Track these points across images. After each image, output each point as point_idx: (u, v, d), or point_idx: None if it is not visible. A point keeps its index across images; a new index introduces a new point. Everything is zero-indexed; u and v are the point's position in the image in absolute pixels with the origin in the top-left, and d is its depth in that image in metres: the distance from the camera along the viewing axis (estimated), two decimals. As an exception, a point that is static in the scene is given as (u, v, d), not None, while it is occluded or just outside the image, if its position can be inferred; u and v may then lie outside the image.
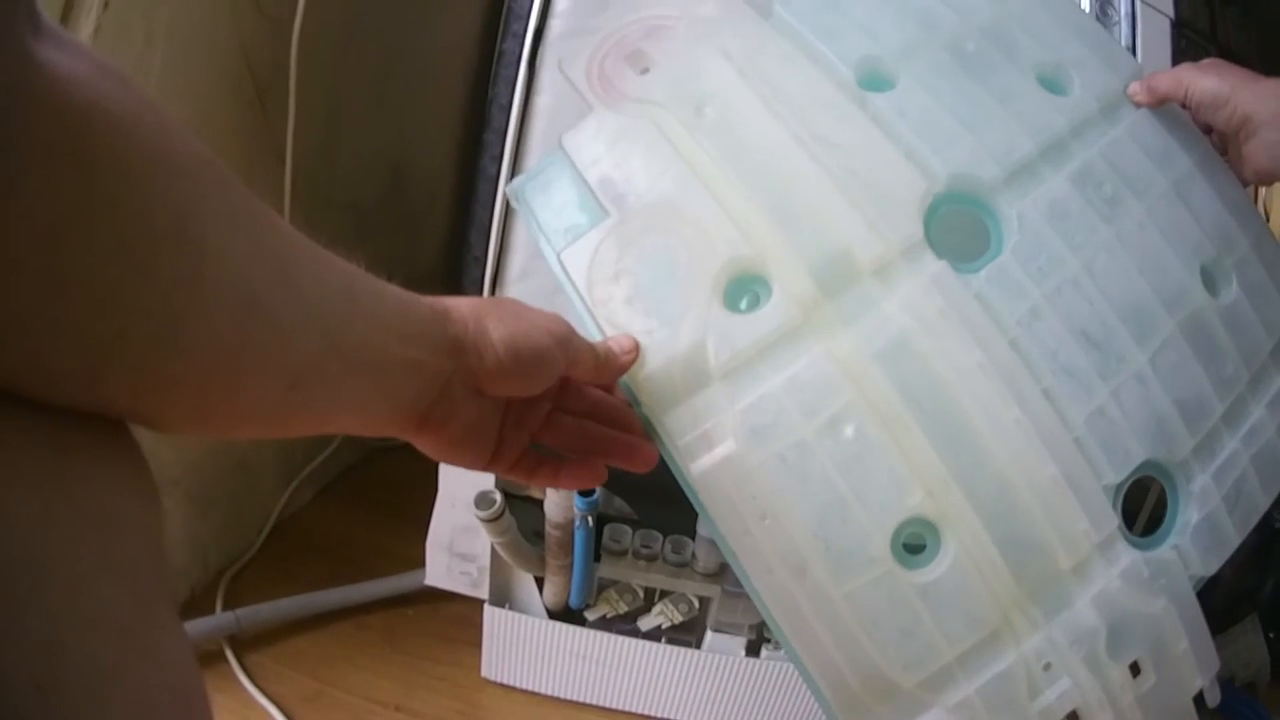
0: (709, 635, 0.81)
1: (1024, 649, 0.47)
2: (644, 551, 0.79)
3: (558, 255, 0.51)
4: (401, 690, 0.85)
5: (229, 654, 0.85)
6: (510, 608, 0.83)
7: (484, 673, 0.86)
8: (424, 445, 0.41)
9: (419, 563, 0.83)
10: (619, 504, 0.78)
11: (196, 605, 0.89)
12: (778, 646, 0.81)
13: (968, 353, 0.47)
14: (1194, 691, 0.50)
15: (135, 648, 0.26)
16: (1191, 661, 0.50)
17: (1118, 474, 0.49)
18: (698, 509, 0.49)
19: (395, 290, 0.36)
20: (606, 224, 0.51)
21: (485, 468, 0.44)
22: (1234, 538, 0.51)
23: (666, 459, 0.49)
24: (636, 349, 0.48)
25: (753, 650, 0.82)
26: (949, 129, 0.52)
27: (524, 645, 0.83)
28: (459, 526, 0.79)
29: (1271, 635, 1.01)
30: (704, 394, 0.48)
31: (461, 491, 0.77)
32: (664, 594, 0.81)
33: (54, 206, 0.22)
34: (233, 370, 0.29)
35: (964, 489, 0.46)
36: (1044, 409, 0.48)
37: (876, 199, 0.49)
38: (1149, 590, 0.48)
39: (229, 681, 0.83)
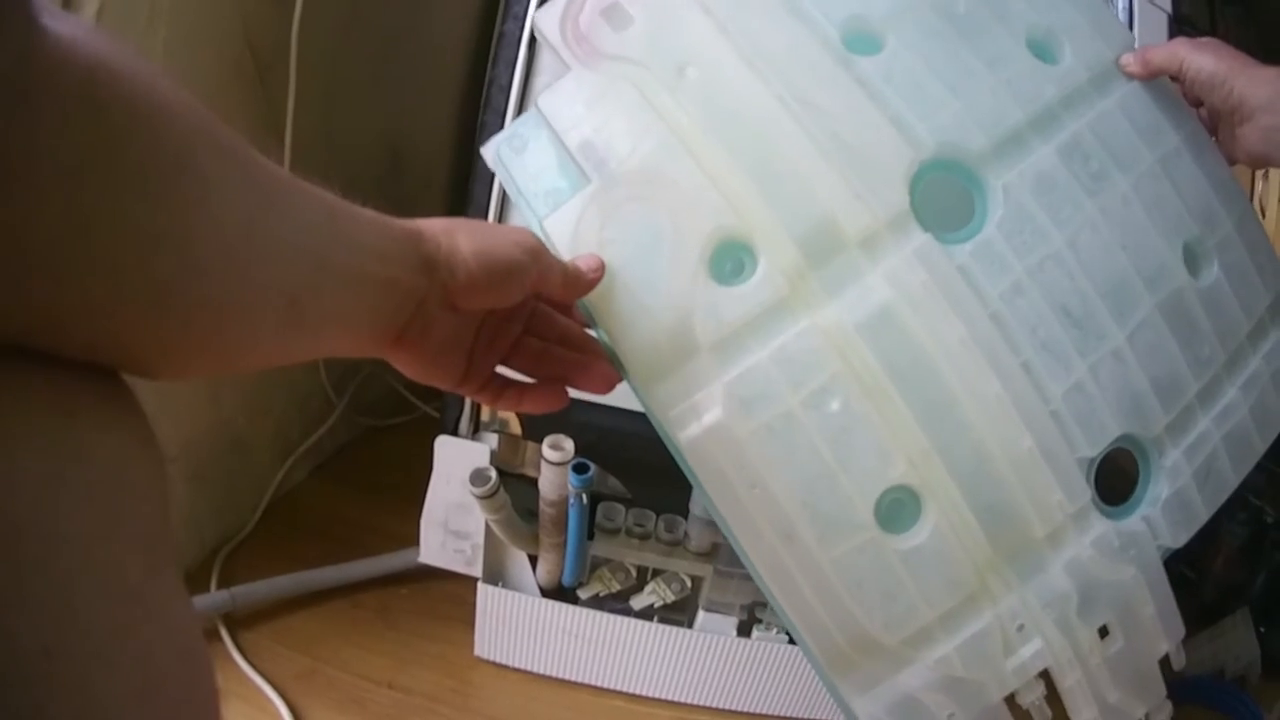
0: (701, 615, 0.82)
1: (999, 610, 0.48)
2: (637, 530, 0.80)
3: (540, 222, 0.51)
4: (395, 668, 0.86)
5: (223, 632, 0.86)
6: (504, 585, 0.83)
7: (477, 651, 0.86)
8: (400, 362, 0.42)
9: (413, 541, 0.84)
10: (613, 482, 0.79)
11: (191, 583, 0.90)
12: (769, 627, 0.82)
13: (950, 326, 0.48)
14: (1159, 655, 0.52)
15: (142, 611, 0.26)
16: (1158, 627, 0.52)
17: (1093, 448, 0.50)
18: (688, 476, 0.49)
19: (370, 213, 0.38)
20: (588, 190, 0.50)
21: (455, 387, 0.45)
22: (1203, 513, 0.53)
23: (656, 428, 0.50)
24: (602, 267, 0.48)
25: (744, 630, 0.82)
26: (937, 95, 0.51)
27: (517, 623, 0.84)
28: (453, 504, 0.80)
29: (1262, 629, 1.01)
30: (692, 364, 0.48)
31: (456, 469, 0.77)
32: (656, 573, 0.82)
33: (74, 147, 0.24)
34: (243, 288, 0.30)
35: (944, 459, 0.47)
36: (1023, 382, 0.49)
37: (862, 167, 0.49)
38: (1119, 559, 0.50)
39: (223, 659, 0.83)
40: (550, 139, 0.52)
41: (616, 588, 0.82)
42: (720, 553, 0.78)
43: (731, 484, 0.48)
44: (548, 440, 0.72)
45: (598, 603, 0.82)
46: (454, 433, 0.79)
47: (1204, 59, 0.55)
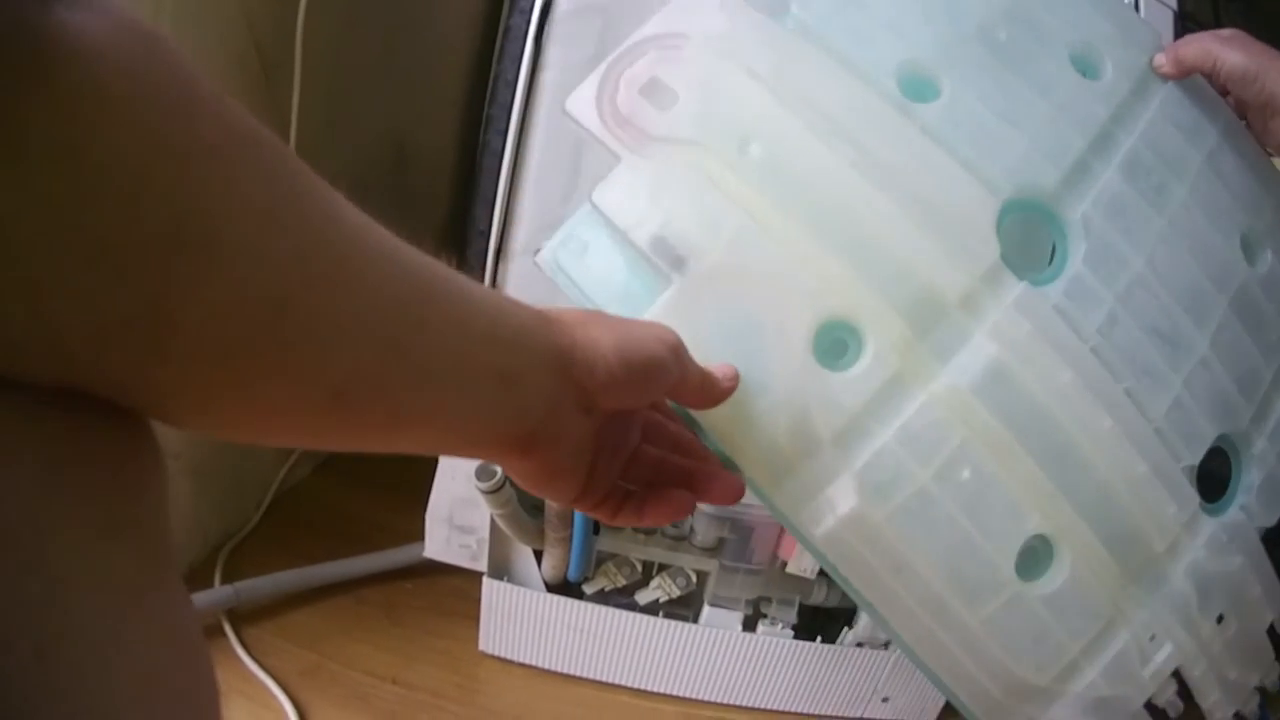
0: (706, 610, 0.82)
1: (1134, 627, 0.51)
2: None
3: None
4: (400, 663, 0.86)
5: (227, 628, 0.86)
6: (509, 580, 0.83)
7: (482, 646, 0.86)
8: (523, 470, 0.37)
9: (418, 536, 0.84)
10: (619, 477, 0.79)
11: (195, 579, 0.90)
12: (774, 622, 0.82)
13: (1059, 371, 0.49)
14: (1267, 626, 0.56)
15: (140, 611, 0.26)
16: (1264, 602, 0.55)
17: (1194, 455, 0.52)
18: (828, 570, 0.48)
19: (487, 291, 0.32)
20: (671, 293, 0.47)
21: (575, 500, 0.40)
22: None
23: (787, 527, 0.48)
24: (737, 376, 0.44)
25: (749, 625, 0.82)
26: (1002, 135, 0.50)
27: (522, 618, 0.84)
28: (459, 499, 0.80)
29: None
30: (817, 459, 0.46)
31: (462, 464, 0.77)
32: (662, 568, 0.82)
33: (20, 204, 0.20)
34: (248, 377, 0.25)
35: (1071, 502, 0.49)
36: (1129, 410, 0.50)
37: (949, 224, 0.48)
38: (1228, 552, 0.53)
39: (227, 655, 0.83)
40: (613, 238, 0.48)
41: (622, 583, 0.82)
42: (725, 548, 0.78)
43: (875, 571, 0.47)
44: (554, 435, 0.72)
45: (603, 598, 0.82)
46: (460, 428, 0.79)
47: (1235, 55, 0.56)
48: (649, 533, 0.80)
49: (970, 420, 0.47)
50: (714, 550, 0.79)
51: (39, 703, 0.22)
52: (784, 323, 0.46)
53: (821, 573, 0.79)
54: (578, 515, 0.76)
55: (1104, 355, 0.50)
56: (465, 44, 1.11)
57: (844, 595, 0.81)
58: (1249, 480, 0.55)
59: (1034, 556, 0.49)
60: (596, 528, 0.78)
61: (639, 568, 0.82)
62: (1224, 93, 0.60)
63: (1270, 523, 0.55)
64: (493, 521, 0.79)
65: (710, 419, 0.45)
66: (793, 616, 0.82)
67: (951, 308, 0.48)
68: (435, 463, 0.80)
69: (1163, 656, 0.51)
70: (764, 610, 0.83)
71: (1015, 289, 0.49)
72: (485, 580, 0.83)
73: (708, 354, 0.43)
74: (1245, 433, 0.54)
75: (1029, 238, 0.51)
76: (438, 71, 1.12)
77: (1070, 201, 0.51)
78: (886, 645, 0.83)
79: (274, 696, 0.80)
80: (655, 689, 0.85)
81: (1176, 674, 0.53)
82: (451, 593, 0.91)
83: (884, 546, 0.47)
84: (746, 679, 0.84)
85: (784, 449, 0.46)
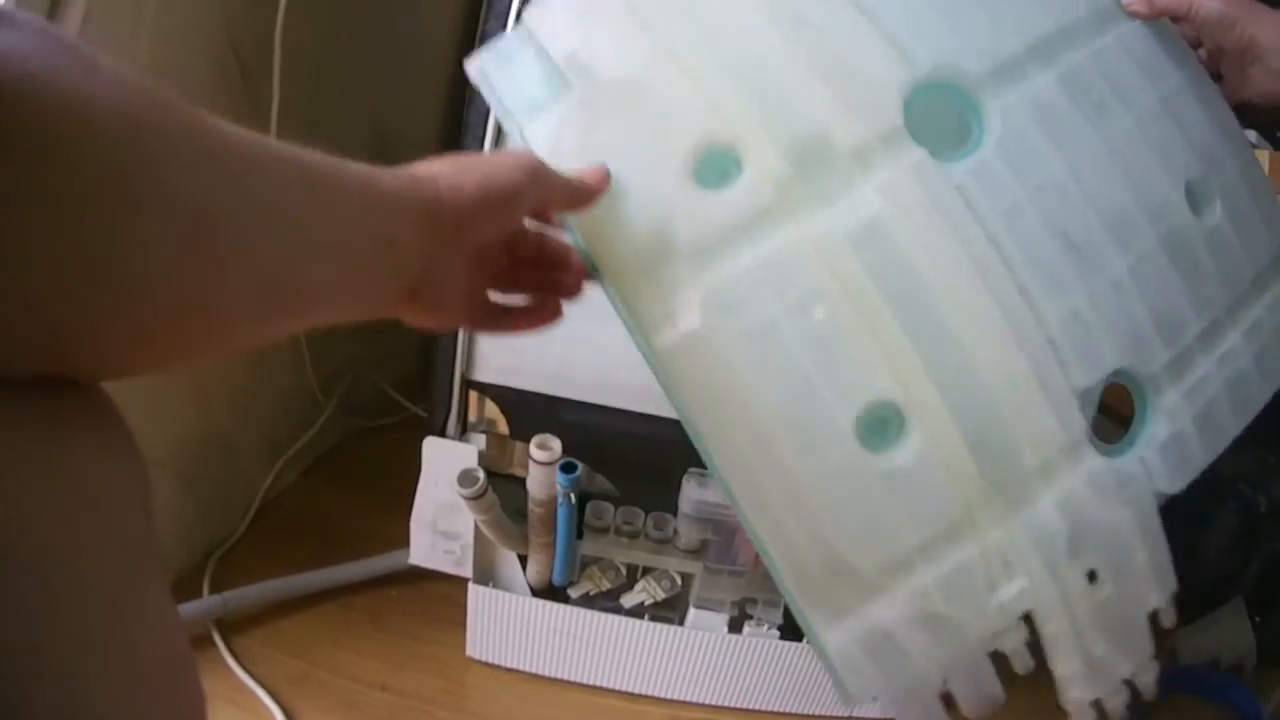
0: (691, 612, 0.82)
1: (985, 543, 0.46)
2: (626, 528, 0.79)
3: (521, 131, 0.50)
4: (388, 670, 0.86)
5: (216, 637, 0.86)
6: (494, 586, 0.83)
7: (469, 651, 0.86)
8: (412, 312, 0.41)
9: (404, 542, 0.84)
10: (601, 481, 0.79)
11: (183, 588, 0.90)
12: (760, 623, 0.82)
13: (945, 242, 0.46)
14: (1150, 608, 0.50)
15: (128, 619, 0.27)
16: (1149, 576, 0.50)
17: (1088, 377, 0.48)
18: (663, 387, 0.47)
19: (362, 168, 0.35)
20: (571, 99, 0.49)
21: (461, 324, 0.44)
22: (1201, 459, 0.51)
23: (631, 334, 0.48)
24: (608, 176, 0.47)
25: (735, 626, 0.82)
26: (933, 19, 0.50)
27: (508, 623, 0.84)
28: (442, 505, 0.80)
29: (1257, 618, 1.01)
30: (670, 268, 0.46)
31: (444, 470, 0.77)
32: (646, 571, 0.82)
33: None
34: (201, 288, 0.28)
35: (933, 377, 0.46)
36: (1019, 305, 0.47)
37: (856, 83, 0.48)
38: (1113, 498, 0.48)
39: (216, 664, 0.83)
40: (536, 53, 0.51)
41: (607, 586, 0.82)
42: (710, 550, 0.78)
43: (708, 395, 0.46)
44: (535, 440, 0.72)
45: (588, 601, 0.82)
46: (441, 434, 0.79)
47: (1212, 1, 0.55)
48: (633, 536, 0.80)
49: (837, 267, 0.45)
50: (698, 552, 0.79)
51: (32, 698, 0.23)
52: (667, 137, 0.47)
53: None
54: (560, 520, 0.76)
55: (1001, 244, 0.47)
56: (443, 48, 1.11)
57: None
58: (1154, 431, 0.50)
59: (882, 427, 0.46)
60: (580, 532, 0.78)
61: (623, 571, 0.82)
62: (1196, 45, 0.59)
63: (1173, 490, 0.50)
64: (477, 527, 0.79)
65: (579, 219, 0.47)
66: (779, 617, 0.82)
67: (841, 156, 0.47)
68: (419, 469, 0.79)
69: (1014, 590, 0.47)
70: (750, 611, 0.82)
71: (915, 155, 0.47)
72: (471, 586, 0.83)
73: (592, 158, 0.47)
74: (1156, 377, 0.50)
75: (952, 128, 0.50)
76: (417, 74, 1.12)
77: (994, 91, 0.50)
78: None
79: (264, 705, 0.80)
80: (642, 691, 0.85)
81: (1030, 623, 0.48)
82: (438, 599, 0.91)
83: (720, 369, 0.45)
84: (734, 680, 0.84)
85: (640, 253, 0.47)
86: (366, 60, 1.05)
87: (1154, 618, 0.51)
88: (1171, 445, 0.50)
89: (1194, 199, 0.53)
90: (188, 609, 0.85)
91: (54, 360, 0.26)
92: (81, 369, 0.27)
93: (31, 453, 0.25)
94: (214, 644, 0.85)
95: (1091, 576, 0.48)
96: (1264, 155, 1.73)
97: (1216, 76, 0.60)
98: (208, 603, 0.87)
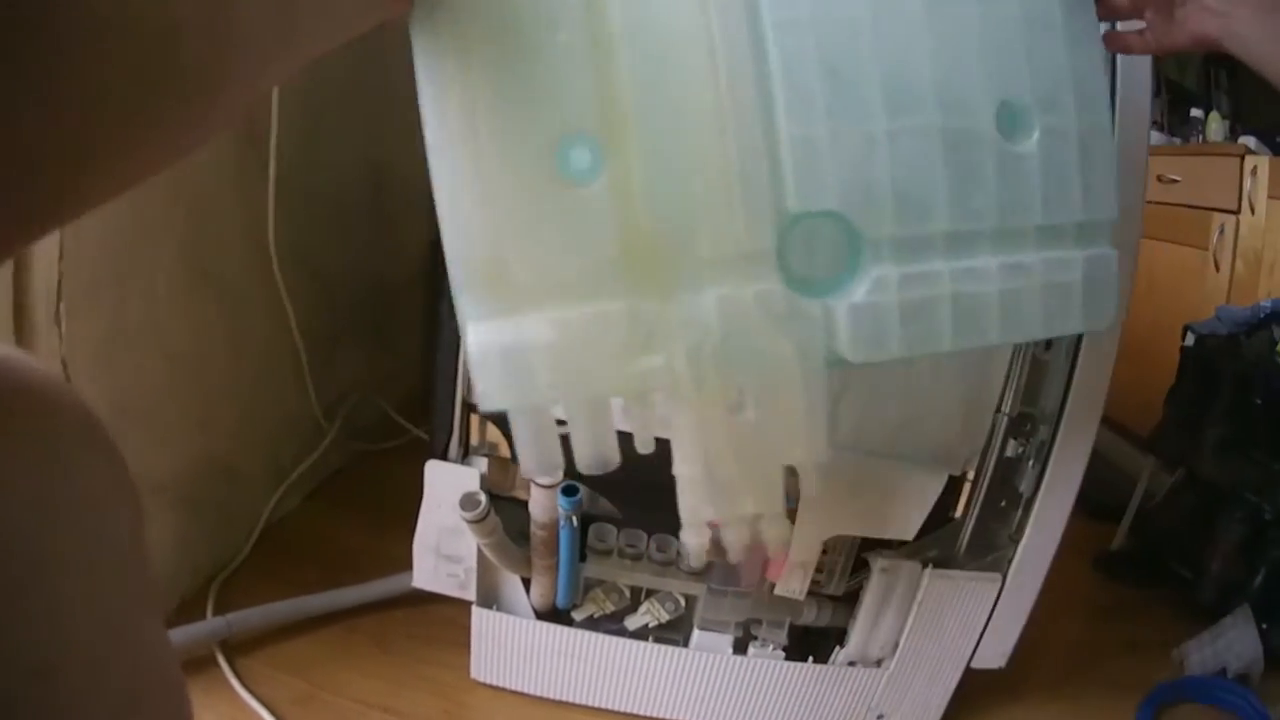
0: (695, 633, 0.82)
1: (633, 305, 0.45)
2: (629, 551, 0.79)
3: None
4: (391, 691, 0.86)
5: (220, 659, 0.86)
6: (497, 609, 0.83)
7: (472, 674, 0.86)
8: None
9: (407, 564, 0.84)
10: (603, 503, 0.79)
11: (187, 610, 0.90)
12: (765, 644, 0.82)
13: (704, 17, 0.45)
14: (788, 460, 0.49)
15: (127, 637, 0.27)
16: (795, 427, 0.48)
17: (799, 204, 0.47)
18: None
19: None
20: None
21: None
22: (893, 346, 0.50)
23: None
24: None
25: (739, 648, 0.82)
26: None
27: (512, 646, 0.84)
28: (445, 528, 0.80)
29: (1264, 626, 1.01)
30: None
31: (447, 494, 0.77)
32: (650, 593, 0.82)
33: None
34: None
35: (639, 129, 0.45)
36: (752, 105, 0.46)
37: None
38: (777, 326, 0.47)
39: (221, 686, 0.83)
40: None
41: (611, 608, 0.82)
42: (714, 571, 0.78)
43: (437, 50, 0.46)
44: (537, 464, 0.72)
45: (592, 624, 0.82)
46: (444, 457, 0.79)
47: None
48: (636, 558, 0.80)
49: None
50: (702, 574, 0.79)
51: (35, 718, 0.23)
52: None
53: (810, 593, 0.79)
54: (563, 543, 0.76)
55: (764, 48, 0.46)
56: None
57: (834, 615, 0.81)
58: (853, 288, 0.49)
59: (578, 157, 0.44)
60: (583, 555, 0.78)
61: (627, 593, 0.82)
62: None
63: (850, 357, 0.49)
64: (479, 550, 0.79)
65: None
66: (783, 638, 0.82)
67: None
68: (421, 492, 0.80)
69: (648, 364, 0.45)
70: (754, 632, 0.82)
71: None
72: (474, 608, 0.83)
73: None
74: (877, 243, 0.49)
75: None
76: (411, 96, 1.12)
77: None
78: (879, 663, 0.82)
79: (267, 728, 0.80)
80: (647, 713, 0.85)
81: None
82: (442, 621, 0.91)
83: (457, 36, 0.44)
84: (739, 702, 0.84)
85: None
86: (360, 95, 1.05)
87: (791, 474, 0.49)
88: (865, 311, 0.49)
89: (1008, 119, 0.51)
90: (192, 631, 0.85)
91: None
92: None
93: (32, 473, 0.25)
94: (218, 665, 0.85)
95: (738, 404, 0.47)
96: (1264, 160, 1.72)
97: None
98: (212, 624, 0.87)
